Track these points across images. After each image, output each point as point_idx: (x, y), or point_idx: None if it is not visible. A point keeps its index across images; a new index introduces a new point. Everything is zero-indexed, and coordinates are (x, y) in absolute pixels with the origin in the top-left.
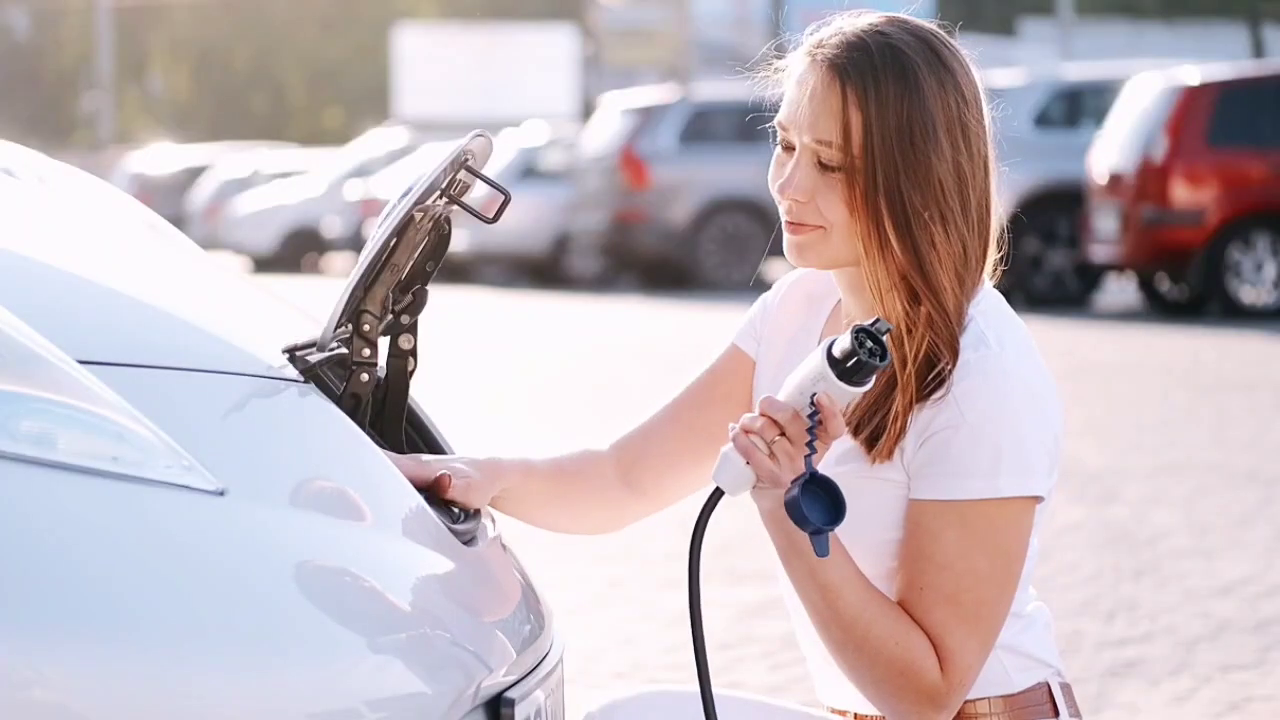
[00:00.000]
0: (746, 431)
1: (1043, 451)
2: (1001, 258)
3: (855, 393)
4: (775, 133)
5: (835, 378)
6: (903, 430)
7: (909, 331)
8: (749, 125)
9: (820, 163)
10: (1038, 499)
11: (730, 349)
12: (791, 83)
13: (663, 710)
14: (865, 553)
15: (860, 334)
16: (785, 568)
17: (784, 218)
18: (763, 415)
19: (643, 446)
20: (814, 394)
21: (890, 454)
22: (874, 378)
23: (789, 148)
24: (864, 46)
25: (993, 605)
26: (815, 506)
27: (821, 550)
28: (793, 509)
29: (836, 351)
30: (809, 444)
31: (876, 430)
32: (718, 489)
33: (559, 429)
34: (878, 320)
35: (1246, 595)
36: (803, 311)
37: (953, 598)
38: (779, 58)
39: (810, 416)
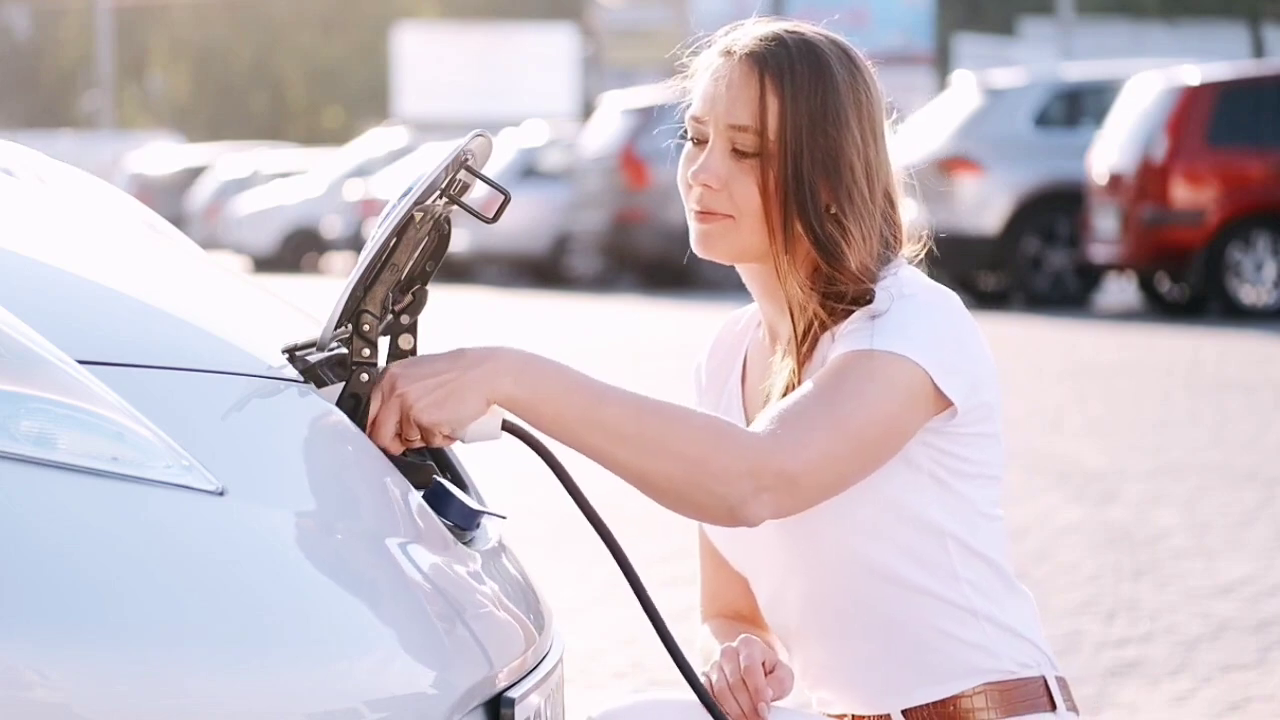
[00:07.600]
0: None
1: (938, 338)
2: (923, 248)
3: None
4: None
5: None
6: None
7: (823, 327)
8: None
9: (735, 149)
10: (933, 385)
11: None
12: (706, 77)
13: (664, 716)
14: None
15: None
16: (570, 441)
17: (693, 207)
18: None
19: (726, 596)
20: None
21: None
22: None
23: (700, 142)
24: (780, 40)
25: (814, 421)
26: (452, 504)
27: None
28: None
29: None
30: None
31: None
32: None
33: None
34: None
35: (1246, 595)
36: (725, 351)
37: (785, 408)
38: (694, 55)
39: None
